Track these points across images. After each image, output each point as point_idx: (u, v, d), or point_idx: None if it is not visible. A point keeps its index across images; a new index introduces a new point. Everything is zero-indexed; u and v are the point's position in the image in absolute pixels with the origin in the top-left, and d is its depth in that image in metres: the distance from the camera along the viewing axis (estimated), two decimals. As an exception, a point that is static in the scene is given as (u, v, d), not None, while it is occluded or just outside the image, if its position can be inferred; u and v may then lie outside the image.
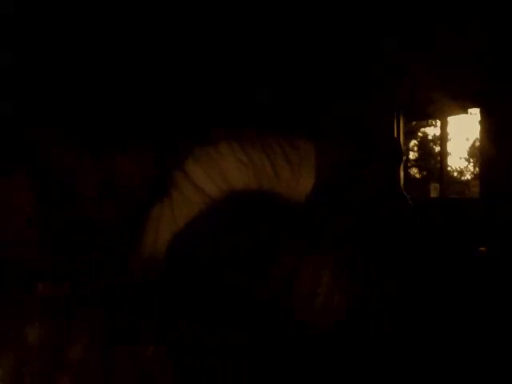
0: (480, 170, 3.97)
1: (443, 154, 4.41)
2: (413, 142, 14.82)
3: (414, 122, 13.12)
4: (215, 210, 1.16)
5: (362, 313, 1.25)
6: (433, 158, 14.41)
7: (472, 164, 16.10)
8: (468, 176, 15.95)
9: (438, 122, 4.61)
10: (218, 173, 1.19)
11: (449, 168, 14.40)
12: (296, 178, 1.28)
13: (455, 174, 16.17)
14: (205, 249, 1.13)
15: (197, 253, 1.12)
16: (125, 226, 1.16)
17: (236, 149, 1.22)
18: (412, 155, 14.92)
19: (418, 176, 14.94)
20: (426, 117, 6.00)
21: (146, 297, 1.08)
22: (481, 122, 3.58)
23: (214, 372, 1.03)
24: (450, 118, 4.20)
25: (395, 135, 4.12)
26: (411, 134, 13.98)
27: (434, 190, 10.83)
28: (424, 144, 14.98)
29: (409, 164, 14.05)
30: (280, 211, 1.20)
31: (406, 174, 5.26)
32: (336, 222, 1.24)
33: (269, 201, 1.20)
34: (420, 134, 14.96)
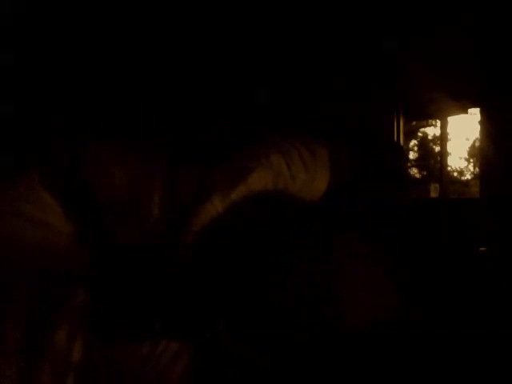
0: (480, 170, 3.97)
1: (443, 154, 4.41)
2: (413, 142, 14.82)
3: (414, 122, 13.12)
4: (233, 211, 1.18)
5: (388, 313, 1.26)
6: (433, 158, 14.40)
7: (472, 164, 16.09)
8: (468, 176, 15.93)
9: (438, 122, 4.61)
10: (238, 176, 1.22)
11: (449, 168, 14.37)
12: (311, 179, 1.30)
13: (455, 174, 16.15)
14: (224, 248, 1.14)
15: (216, 252, 1.13)
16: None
17: (256, 153, 1.24)
18: (412, 155, 14.91)
19: (418, 176, 14.93)
20: (426, 117, 6.01)
21: (167, 290, 1.10)
22: (481, 122, 3.58)
23: (235, 369, 1.04)
24: (450, 118, 4.20)
25: (395, 135, 4.12)
26: (411, 133, 13.97)
27: (433, 190, 10.84)
28: (424, 144, 14.97)
29: (409, 164, 14.04)
30: (295, 211, 1.21)
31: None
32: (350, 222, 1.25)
33: (284, 199, 1.22)
34: (420, 134, 14.95)
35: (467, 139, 16.71)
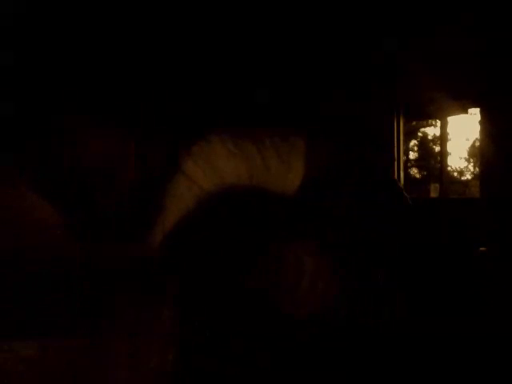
0: (480, 170, 3.97)
1: (443, 154, 4.41)
2: (413, 142, 14.81)
3: (414, 122, 13.11)
4: (208, 202, 1.19)
5: (350, 302, 1.26)
6: (433, 158, 14.39)
7: (472, 164, 16.08)
8: (468, 176, 15.92)
9: (438, 122, 4.61)
10: (210, 166, 1.24)
11: (449, 168, 14.34)
12: (286, 169, 1.32)
13: (455, 174, 16.14)
14: (198, 240, 1.15)
15: (190, 244, 1.15)
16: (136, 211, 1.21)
17: (227, 141, 1.27)
18: (412, 155, 14.90)
19: (418, 176, 14.92)
20: (426, 117, 6.01)
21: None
22: (481, 122, 3.58)
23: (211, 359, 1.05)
24: (450, 118, 4.20)
25: (395, 135, 4.12)
26: (411, 134, 13.96)
27: (433, 190, 10.84)
28: (424, 144, 14.96)
29: (409, 164, 14.04)
30: (269, 202, 1.22)
31: (406, 173, 5.26)
32: (323, 213, 1.25)
33: (259, 192, 1.23)
34: (420, 134, 14.94)
35: (467, 139, 16.70)
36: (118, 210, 1.21)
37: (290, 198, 1.28)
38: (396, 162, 4.08)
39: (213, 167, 1.26)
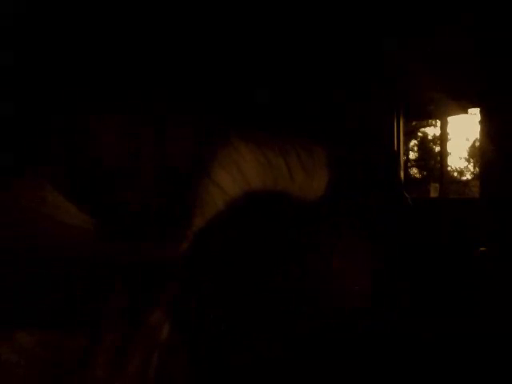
0: (480, 170, 3.97)
1: (443, 154, 4.41)
2: (413, 142, 14.81)
3: (414, 122, 13.12)
4: (236, 207, 1.20)
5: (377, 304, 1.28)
6: (433, 158, 14.40)
7: (472, 164, 16.08)
8: (468, 176, 15.92)
9: (438, 122, 4.62)
10: (238, 172, 1.25)
11: (449, 168, 14.34)
12: (309, 179, 1.33)
13: (455, 174, 16.14)
14: (224, 241, 1.17)
15: (218, 248, 1.16)
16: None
17: (255, 150, 1.28)
18: (412, 155, 14.91)
19: (418, 176, 14.92)
20: (426, 117, 6.02)
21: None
22: (481, 122, 3.58)
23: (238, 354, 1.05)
24: (450, 118, 4.20)
25: (395, 135, 4.12)
26: (411, 134, 13.97)
27: (433, 190, 10.84)
28: (424, 144, 14.97)
29: (409, 164, 14.05)
30: (294, 210, 1.24)
31: (406, 174, 5.26)
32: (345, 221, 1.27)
33: (284, 200, 1.24)
34: (420, 134, 14.95)
35: (467, 139, 16.69)
36: (143, 211, 1.22)
37: (310, 202, 1.30)
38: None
39: (240, 174, 1.27)
